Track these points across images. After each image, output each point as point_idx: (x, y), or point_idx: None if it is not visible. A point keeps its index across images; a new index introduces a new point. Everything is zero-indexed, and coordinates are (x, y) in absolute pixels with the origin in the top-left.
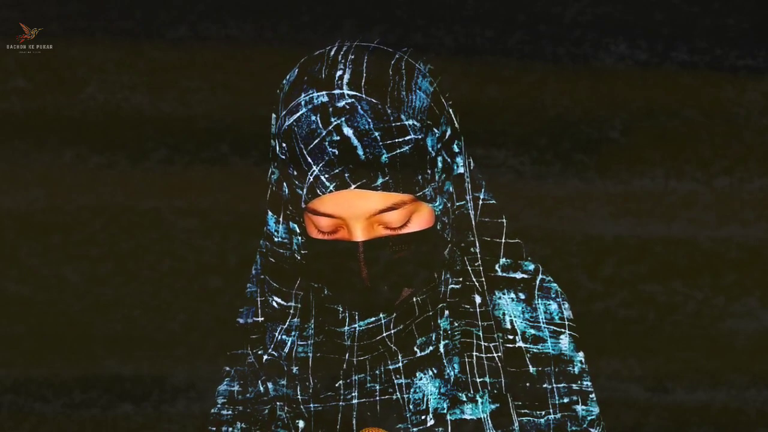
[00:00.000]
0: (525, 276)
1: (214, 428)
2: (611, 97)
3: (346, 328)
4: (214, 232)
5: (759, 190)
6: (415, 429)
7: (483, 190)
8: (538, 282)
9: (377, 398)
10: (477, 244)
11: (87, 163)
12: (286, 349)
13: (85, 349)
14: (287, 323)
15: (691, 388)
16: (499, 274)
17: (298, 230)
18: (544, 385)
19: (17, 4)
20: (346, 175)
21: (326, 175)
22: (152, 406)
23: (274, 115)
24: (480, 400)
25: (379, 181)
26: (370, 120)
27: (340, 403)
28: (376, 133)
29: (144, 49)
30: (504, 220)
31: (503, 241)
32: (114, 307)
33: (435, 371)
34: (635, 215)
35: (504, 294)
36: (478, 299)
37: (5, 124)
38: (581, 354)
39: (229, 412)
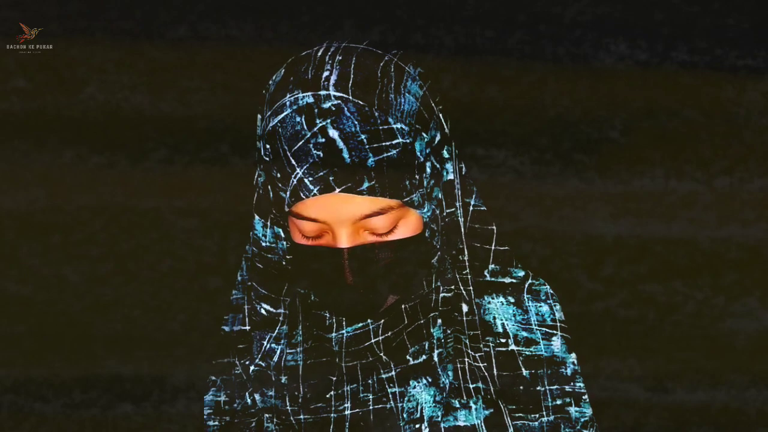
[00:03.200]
0: (514, 281)
1: None
2: (611, 97)
3: (334, 334)
4: (214, 232)
5: (759, 190)
6: None
7: (474, 196)
8: (527, 285)
9: (370, 408)
10: (466, 252)
11: (87, 163)
12: (275, 358)
13: (85, 349)
14: (276, 331)
15: (691, 388)
16: (488, 279)
17: (283, 234)
18: (538, 388)
19: (17, 4)
20: (331, 178)
21: (310, 178)
22: (152, 406)
23: (259, 116)
24: (474, 407)
25: (365, 185)
26: (356, 122)
27: (332, 415)
28: (363, 136)
29: (144, 49)
30: (494, 227)
31: (492, 248)
32: (114, 307)
33: (429, 380)
34: (635, 215)
35: (494, 298)
36: (465, 308)
37: (5, 124)
38: (573, 355)
39: (216, 423)
